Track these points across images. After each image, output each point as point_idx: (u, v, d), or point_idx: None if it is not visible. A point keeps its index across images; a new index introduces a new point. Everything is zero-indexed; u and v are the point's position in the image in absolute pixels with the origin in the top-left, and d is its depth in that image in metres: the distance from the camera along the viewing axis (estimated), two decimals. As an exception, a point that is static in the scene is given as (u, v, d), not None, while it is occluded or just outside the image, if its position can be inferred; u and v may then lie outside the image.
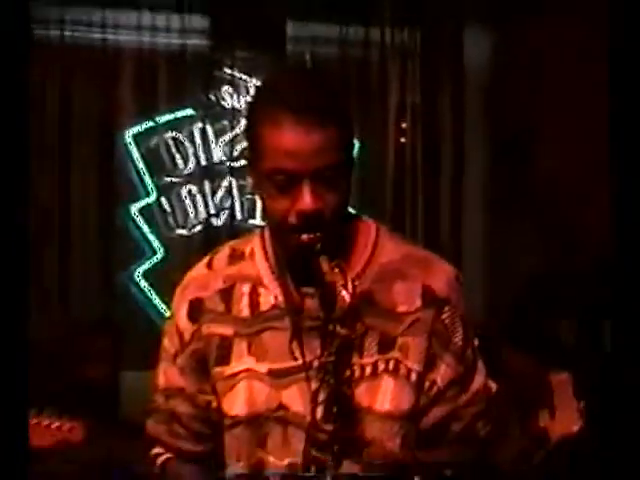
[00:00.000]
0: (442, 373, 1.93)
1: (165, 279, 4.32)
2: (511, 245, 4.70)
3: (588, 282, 3.28)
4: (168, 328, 2.01)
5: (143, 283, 4.73)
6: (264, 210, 1.90)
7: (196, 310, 1.96)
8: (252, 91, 4.77)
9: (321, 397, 1.81)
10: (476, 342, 1.99)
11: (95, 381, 3.37)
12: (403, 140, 4.87)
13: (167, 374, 2.01)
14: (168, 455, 2.04)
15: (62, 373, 3.35)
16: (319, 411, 1.81)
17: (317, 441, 1.80)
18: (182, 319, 1.98)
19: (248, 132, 1.86)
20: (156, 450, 2.05)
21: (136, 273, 4.73)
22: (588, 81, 4.10)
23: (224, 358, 1.93)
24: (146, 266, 4.75)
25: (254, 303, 1.94)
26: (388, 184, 4.90)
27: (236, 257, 1.99)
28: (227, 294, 1.96)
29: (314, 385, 1.84)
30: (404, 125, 4.88)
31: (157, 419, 2.04)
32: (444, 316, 1.93)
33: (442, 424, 1.95)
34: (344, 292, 1.75)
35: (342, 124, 1.81)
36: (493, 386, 2.03)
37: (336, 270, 1.77)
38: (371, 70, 4.91)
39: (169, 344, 2.00)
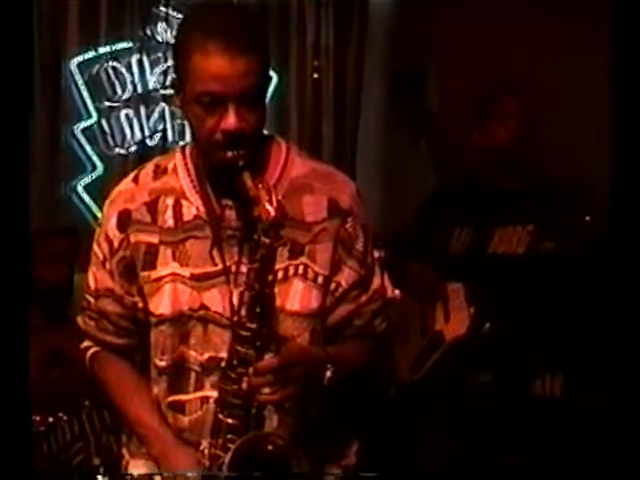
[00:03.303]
0: (346, 276, 1.91)
1: (104, 192, 4.16)
2: (407, 166, 4.60)
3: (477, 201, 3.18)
4: (97, 236, 1.95)
5: (85, 195, 4.60)
6: (192, 130, 1.82)
7: (124, 220, 1.90)
8: (183, 26, 4.59)
9: (245, 298, 1.76)
10: (381, 254, 1.96)
11: (51, 282, 3.23)
12: (316, 76, 4.73)
13: (97, 277, 1.96)
14: (96, 348, 2.01)
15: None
16: (243, 311, 1.77)
17: (241, 338, 1.76)
18: (111, 229, 1.92)
19: (178, 59, 1.78)
20: (85, 344, 2.03)
21: (79, 186, 4.59)
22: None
23: (150, 263, 1.88)
24: (87, 180, 4.61)
25: (178, 214, 1.87)
26: (300, 111, 4.71)
27: (160, 172, 1.92)
28: (152, 206, 1.89)
29: (238, 288, 1.80)
30: (316, 63, 4.74)
31: (87, 316, 2.00)
32: (347, 225, 1.90)
33: (346, 321, 1.94)
34: (269, 206, 1.71)
35: (262, 51, 1.76)
36: (389, 287, 2.01)
37: (260, 186, 1.73)
38: (290, 15, 4.72)
39: (98, 250, 1.95)
